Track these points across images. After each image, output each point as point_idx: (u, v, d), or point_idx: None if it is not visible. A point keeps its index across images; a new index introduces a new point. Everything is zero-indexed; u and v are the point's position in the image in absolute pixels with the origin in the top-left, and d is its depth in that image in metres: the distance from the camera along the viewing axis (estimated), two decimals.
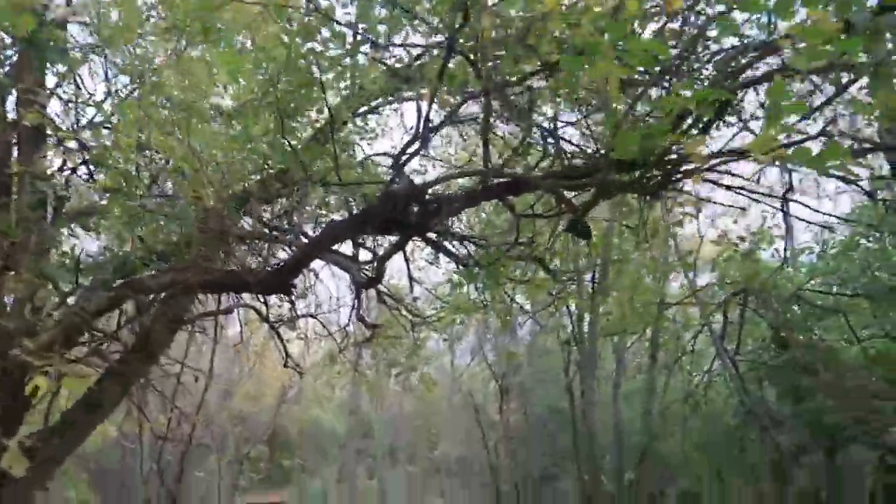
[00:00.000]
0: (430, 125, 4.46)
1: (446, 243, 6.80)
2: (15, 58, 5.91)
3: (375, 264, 5.93)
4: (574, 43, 2.53)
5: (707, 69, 4.42)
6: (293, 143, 5.09)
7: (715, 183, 4.16)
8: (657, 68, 3.71)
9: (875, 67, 3.13)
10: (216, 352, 10.69)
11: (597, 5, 3.19)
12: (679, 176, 4.13)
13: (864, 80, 5.51)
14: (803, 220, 4.97)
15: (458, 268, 6.96)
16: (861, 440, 13.27)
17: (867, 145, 4.67)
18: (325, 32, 4.18)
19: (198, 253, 5.39)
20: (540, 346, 23.58)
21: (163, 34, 6.12)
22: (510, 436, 23.41)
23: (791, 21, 2.35)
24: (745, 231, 10.20)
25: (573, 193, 4.78)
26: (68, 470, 16.39)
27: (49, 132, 5.79)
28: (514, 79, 4.46)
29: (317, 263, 7.99)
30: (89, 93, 6.80)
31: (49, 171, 5.74)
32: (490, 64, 4.24)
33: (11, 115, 5.70)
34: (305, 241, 5.92)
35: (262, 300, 7.71)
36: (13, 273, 5.01)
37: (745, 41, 4.35)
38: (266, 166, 5.73)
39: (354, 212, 5.78)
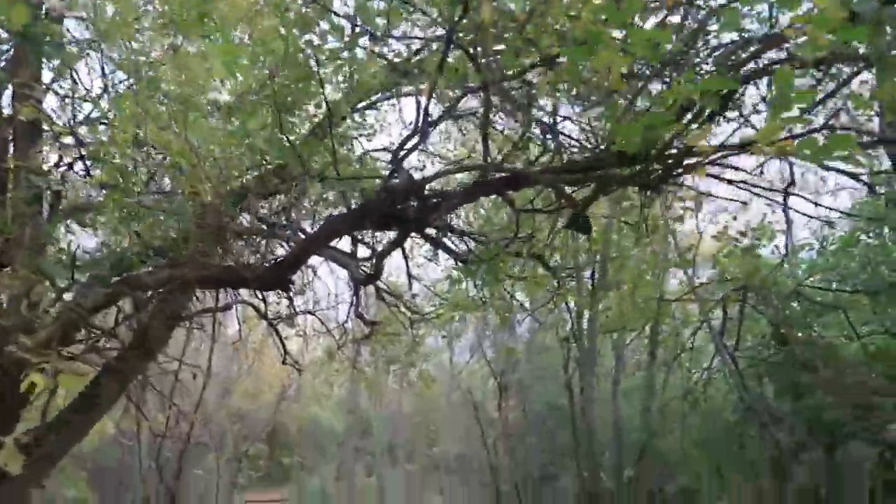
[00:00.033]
0: (430, 119, 4.42)
1: (445, 240, 6.78)
2: (11, 52, 5.86)
3: (374, 261, 5.90)
4: (574, 35, 2.49)
5: (707, 63, 4.39)
6: (291, 137, 5.05)
7: (716, 177, 4.12)
8: (658, 63, 3.69)
9: (880, 58, 3.10)
10: (215, 349, 10.65)
11: None
12: (680, 170, 4.10)
13: (864, 76, 5.51)
14: (805, 214, 4.94)
15: (456, 264, 6.93)
16: (861, 437, 13.26)
17: (869, 139, 4.64)
18: (324, 25, 4.14)
19: (195, 249, 5.35)
20: (539, 342, 23.55)
21: (160, 29, 6.08)
22: (509, 433, 23.39)
23: (796, 11, 2.31)
24: (745, 226, 10.18)
25: (573, 188, 4.75)
26: (65, 468, 16.36)
27: (45, 127, 5.74)
28: (514, 72, 4.42)
29: (315, 260, 7.98)
30: (86, 89, 6.77)
31: (45, 167, 5.70)
32: (490, 57, 4.20)
33: (7, 111, 5.65)
34: (303, 236, 5.89)
35: (260, 297, 7.69)
36: (9, 269, 4.97)
37: (747, 35, 4.32)
38: (264, 161, 5.69)
39: (353, 207, 5.74)
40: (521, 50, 4.21)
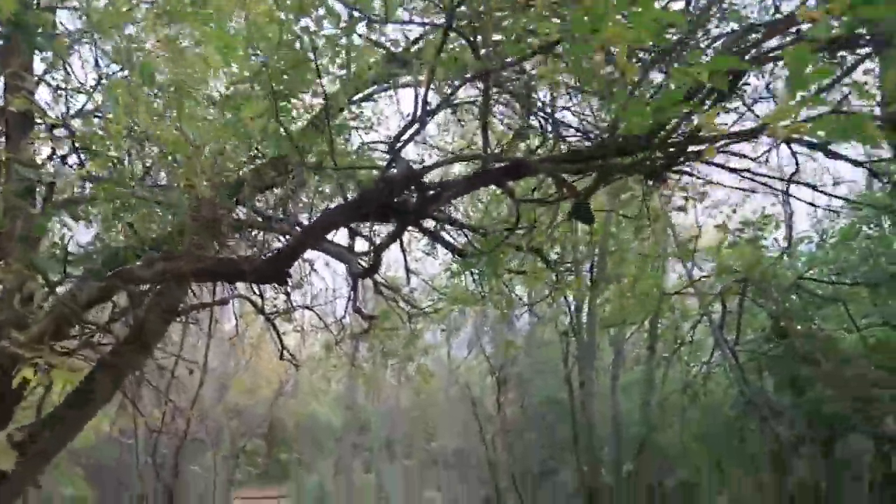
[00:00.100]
0: (428, 108, 4.34)
1: (443, 233, 6.71)
2: (1, 42, 5.77)
3: (372, 254, 5.82)
4: (576, 17, 2.42)
5: (711, 50, 4.32)
6: (288, 127, 4.96)
7: (720, 166, 4.06)
8: (666, 45, 3.61)
9: (887, 44, 3.04)
10: (211, 345, 10.57)
11: None
12: (682, 159, 4.03)
13: (868, 65, 5.45)
14: (810, 203, 4.87)
15: (454, 256, 6.87)
16: (860, 429, 13.26)
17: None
18: (320, 10, 4.05)
19: (190, 242, 5.27)
20: (538, 337, 23.53)
21: (153, 19, 5.99)
22: (507, 428, 23.37)
23: None
24: (751, 214, 10.12)
25: (574, 178, 4.68)
26: (63, 465, 16.30)
27: (38, 119, 5.66)
28: (513, 59, 4.34)
29: (312, 254, 7.90)
30: (80, 81, 6.68)
31: (38, 160, 5.61)
32: (489, 44, 4.13)
33: None
34: (300, 229, 5.81)
35: (257, 292, 7.61)
36: (2, 263, 4.89)
37: (752, 21, 4.26)
38: (257, 150, 5.60)
39: (350, 199, 5.66)
40: (521, 36, 4.13)
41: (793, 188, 4.97)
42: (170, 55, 5.68)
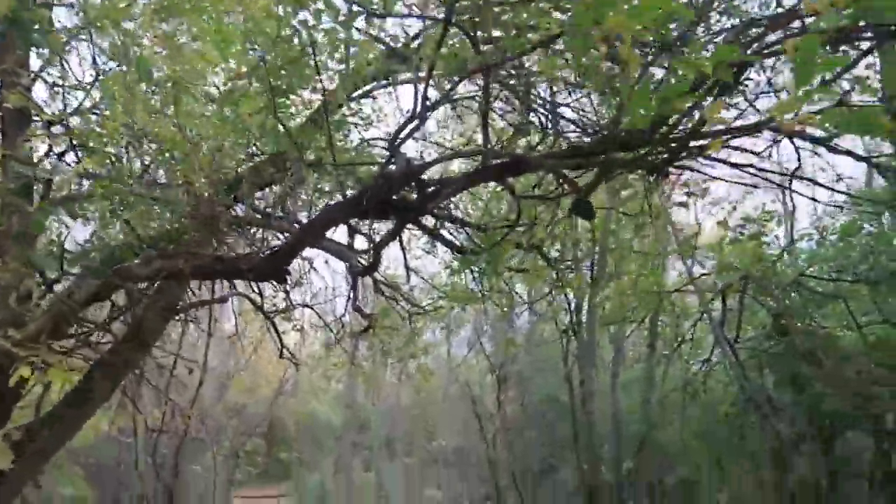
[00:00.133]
0: (428, 103, 4.31)
1: (443, 231, 6.67)
2: None
3: (371, 252, 5.79)
4: (578, 11, 2.38)
5: (711, 46, 4.29)
6: (286, 123, 4.93)
7: (722, 161, 4.03)
8: (670, 34, 3.58)
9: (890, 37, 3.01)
10: (211, 344, 10.54)
11: None
12: (684, 154, 4.00)
13: (867, 60, 5.42)
14: (813, 199, 4.83)
15: (453, 254, 6.84)
16: (860, 427, 13.24)
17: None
18: (319, 4, 4.01)
19: (188, 239, 5.24)
20: (537, 335, 23.49)
21: (151, 15, 5.95)
22: (507, 426, 23.34)
23: None
24: (752, 211, 10.09)
25: (575, 174, 4.65)
26: (63, 465, 16.26)
27: (35, 116, 5.62)
28: (513, 53, 4.31)
29: (312, 252, 7.87)
30: (77, 78, 6.64)
31: (35, 157, 5.57)
32: (489, 38, 4.09)
33: None
34: (299, 226, 5.77)
35: (256, 290, 7.58)
36: None
37: (753, 17, 4.22)
38: (256, 147, 5.57)
39: (349, 195, 5.62)
40: (521, 31, 4.10)
41: (794, 185, 4.95)
42: (167, 51, 5.64)
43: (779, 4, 4.00)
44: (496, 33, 4.51)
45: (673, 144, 3.84)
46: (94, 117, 6.02)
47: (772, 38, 3.97)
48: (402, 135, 4.53)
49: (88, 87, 6.33)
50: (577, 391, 18.44)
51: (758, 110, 4.77)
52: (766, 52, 3.78)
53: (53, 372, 4.49)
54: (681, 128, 3.86)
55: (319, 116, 5.45)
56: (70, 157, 5.99)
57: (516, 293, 10.06)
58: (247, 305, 9.50)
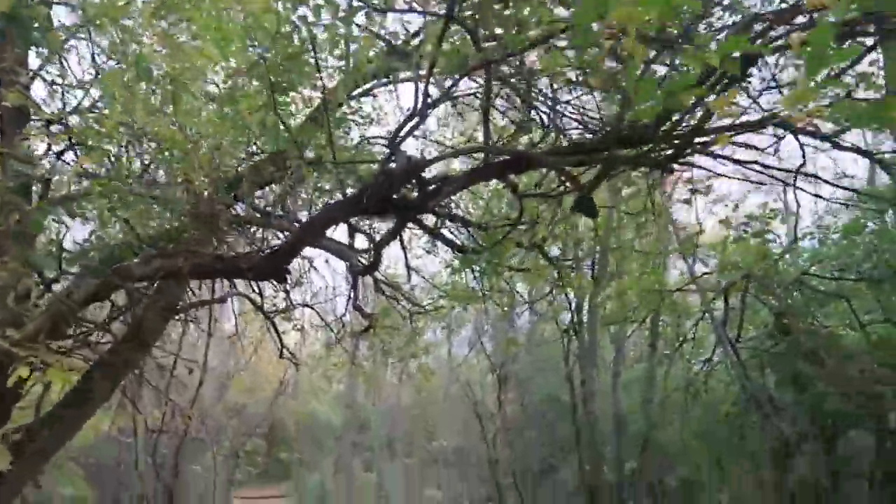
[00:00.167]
0: (429, 100, 4.27)
1: (444, 230, 6.64)
2: None
3: (372, 251, 5.76)
4: (585, 3, 2.35)
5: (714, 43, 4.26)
6: (286, 121, 4.89)
7: (727, 158, 3.99)
8: (662, 43, 3.54)
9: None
10: (211, 344, 10.51)
11: None
12: (688, 150, 3.97)
13: (871, 57, 5.38)
14: (818, 196, 4.78)
15: (454, 252, 6.81)
16: (862, 426, 13.19)
17: None
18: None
19: (188, 238, 5.21)
20: (538, 335, 23.45)
21: (150, 14, 5.91)
22: (508, 426, 23.30)
23: None
24: (755, 209, 10.03)
25: (578, 171, 4.61)
26: (62, 465, 16.22)
27: (34, 115, 5.59)
28: (516, 49, 4.27)
29: (312, 252, 7.84)
30: (76, 77, 6.60)
31: (34, 155, 5.54)
32: (491, 32, 4.06)
33: None
34: (299, 225, 5.74)
35: (256, 290, 7.55)
36: None
37: (756, 12, 4.19)
38: (256, 146, 5.53)
39: (350, 194, 5.58)
40: (522, 27, 4.06)
41: (797, 183, 4.91)
42: (167, 49, 5.60)
43: (783, 0, 3.96)
44: (497, 30, 4.48)
45: (677, 141, 3.81)
46: (92, 115, 5.99)
47: (773, 34, 3.94)
48: (403, 132, 4.50)
49: (88, 85, 6.30)
50: (579, 391, 18.41)
51: (762, 108, 4.74)
52: (770, 47, 3.75)
53: (52, 372, 4.46)
54: (684, 124, 3.83)
55: (320, 114, 5.41)
56: (69, 156, 5.96)
57: (517, 292, 10.02)
58: (247, 305, 9.47)
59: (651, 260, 11.37)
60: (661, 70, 4.23)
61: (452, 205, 6.93)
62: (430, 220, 6.23)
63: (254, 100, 4.95)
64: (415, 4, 4.90)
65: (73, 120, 5.94)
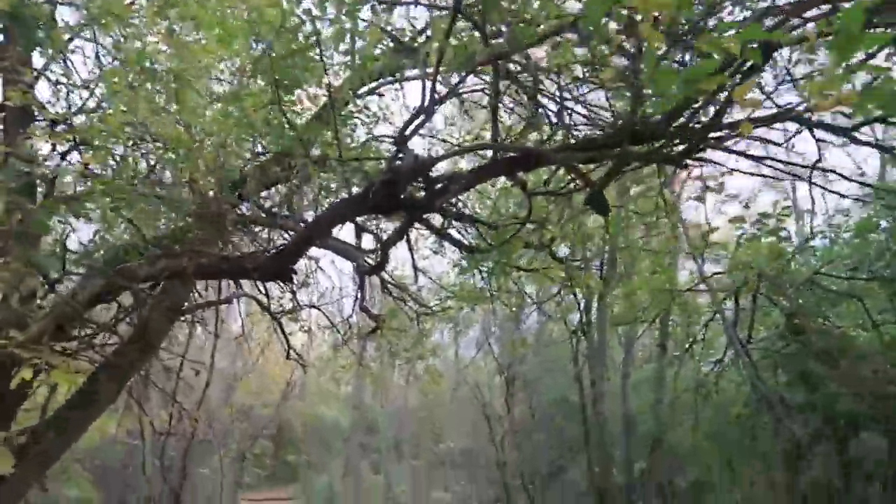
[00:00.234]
0: (436, 96, 4.20)
1: (451, 230, 6.56)
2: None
3: (379, 251, 5.69)
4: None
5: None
6: (291, 118, 4.83)
7: (740, 153, 3.90)
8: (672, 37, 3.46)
9: None
10: (218, 346, 10.47)
11: None
12: (702, 146, 3.88)
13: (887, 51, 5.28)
14: (833, 191, 4.65)
15: (461, 252, 6.73)
16: (875, 427, 13.03)
17: None
18: None
19: (193, 238, 5.16)
20: (547, 335, 23.33)
21: (154, 13, 5.86)
22: (516, 428, 23.18)
23: None
24: (768, 208, 9.90)
25: (588, 168, 4.53)
26: (69, 467, 16.22)
27: (36, 114, 5.55)
28: (524, 43, 4.19)
29: (318, 252, 7.78)
30: (81, 77, 6.57)
31: (39, 155, 5.50)
32: (498, 27, 3.98)
33: None
34: (305, 225, 5.67)
35: (263, 291, 7.49)
36: (1, 261, 4.78)
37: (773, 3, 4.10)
38: (261, 145, 5.48)
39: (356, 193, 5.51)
40: (530, 21, 3.98)
41: (812, 179, 4.81)
42: (171, 48, 5.55)
43: None
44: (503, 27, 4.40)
45: (690, 136, 3.72)
46: (97, 115, 5.95)
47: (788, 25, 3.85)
48: (410, 130, 4.42)
49: (93, 85, 6.26)
50: (588, 392, 18.28)
51: (776, 103, 4.65)
52: (790, 37, 3.66)
53: (57, 374, 4.40)
54: (696, 120, 3.74)
55: (325, 112, 5.35)
56: (74, 156, 5.92)
57: (525, 293, 9.92)
58: (253, 306, 9.41)
59: (661, 259, 11.25)
60: (673, 66, 4.14)
61: (460, 204, 6.86)
62: (437, 220, 6.15)
63: (259, 98, 4.89)
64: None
65: (78, 120, 5.90)
